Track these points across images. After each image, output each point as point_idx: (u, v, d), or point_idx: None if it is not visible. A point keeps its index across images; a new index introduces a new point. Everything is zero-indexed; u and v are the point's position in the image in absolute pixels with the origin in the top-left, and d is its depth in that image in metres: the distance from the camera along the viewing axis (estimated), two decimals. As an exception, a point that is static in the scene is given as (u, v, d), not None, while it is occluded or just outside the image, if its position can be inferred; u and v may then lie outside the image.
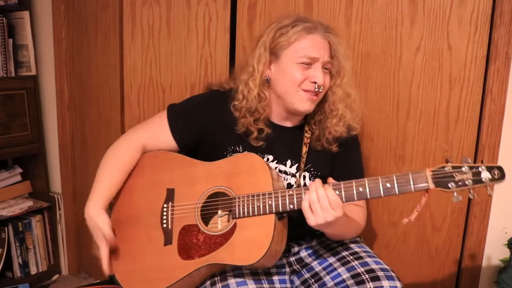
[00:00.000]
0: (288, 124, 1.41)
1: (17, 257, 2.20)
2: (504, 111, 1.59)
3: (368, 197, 1.14)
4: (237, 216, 1.22)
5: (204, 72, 1.89)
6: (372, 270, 1.19)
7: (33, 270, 2.27)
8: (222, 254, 1.20)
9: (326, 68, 1.34)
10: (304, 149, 1.38)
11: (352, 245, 1.34)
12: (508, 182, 1.64)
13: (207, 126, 1.39)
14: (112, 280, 1.44)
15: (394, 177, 1.12)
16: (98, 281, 2.08)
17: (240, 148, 1.37)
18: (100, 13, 2.06)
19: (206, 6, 1.84)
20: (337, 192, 1.14)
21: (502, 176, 1.08)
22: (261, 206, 1.19)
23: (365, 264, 1.23)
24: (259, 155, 1.33)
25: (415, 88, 1.67)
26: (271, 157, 1.37)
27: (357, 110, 1.39)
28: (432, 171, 1.10)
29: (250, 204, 1.21)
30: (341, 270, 1.24)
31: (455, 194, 1.09)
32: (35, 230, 2.26)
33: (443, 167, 1.10)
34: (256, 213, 1.20)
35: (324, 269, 1.30)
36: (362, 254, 1.28)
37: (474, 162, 1.64)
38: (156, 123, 1.45)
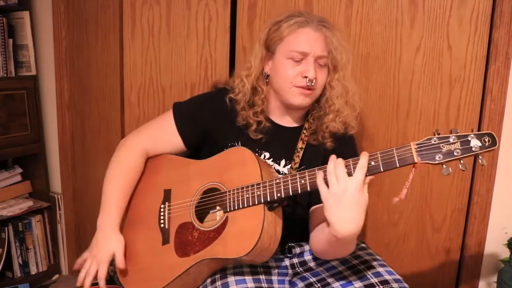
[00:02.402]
0: (287, 123, 1.41)
1: (17, 257, 2.20)
2: (504, 111, 1.59)
3: None
4: (228, 210, 1.22)
5: (204, 72, 1.89)
6: (387, 282, 1.19)
7: (33, 270, 2.27)
8: (215, 248, 1.21)
9: (321, 63, 1.31)
10: (300, 145, 1.37)
11: (360, 252, 1.32)
12: (507, 183, 1.66)
13: (211, 122, 1.40)
14: (112, 280, 1.45)
15: (379, 154, 1.08)
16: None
17: (239, 143, 1.37)
18: (100, 13, 2.06)
19: (206, 6, 1.84)
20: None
21: (493, 143, 1.01)
22: (250, 198, 1.19)
23: (378, 274, 1.22)
24: (256, 151, 1.34)
25: (415, 88, 1.67)
26: (267, 155, 1.38)
27: (355, 106, 1.38)
28: (416, 144, 1.05)
29: (240, 196, 1.21)
30: (353, 278, 1.23)
31: (444, 166, 1.03)
32: (35, 230, 2.27)
33: (430, 139, 1.05)
34: (245, 205, 1.20)
35: (332, 275, 1.28)
36: (373, 263, 1.26)
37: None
38: (160, 124, 1.45)
